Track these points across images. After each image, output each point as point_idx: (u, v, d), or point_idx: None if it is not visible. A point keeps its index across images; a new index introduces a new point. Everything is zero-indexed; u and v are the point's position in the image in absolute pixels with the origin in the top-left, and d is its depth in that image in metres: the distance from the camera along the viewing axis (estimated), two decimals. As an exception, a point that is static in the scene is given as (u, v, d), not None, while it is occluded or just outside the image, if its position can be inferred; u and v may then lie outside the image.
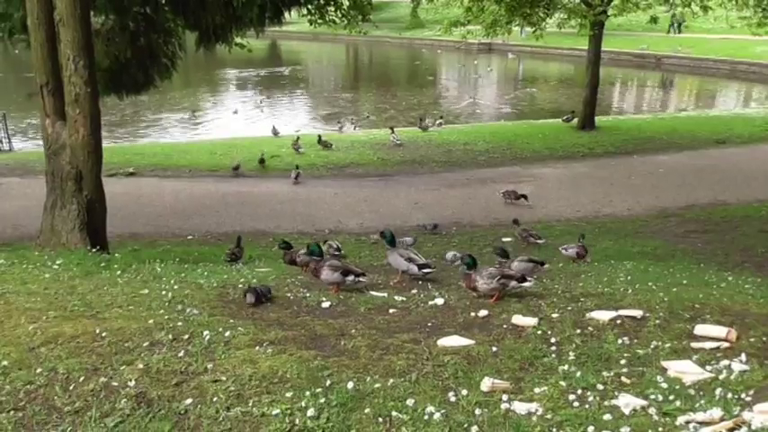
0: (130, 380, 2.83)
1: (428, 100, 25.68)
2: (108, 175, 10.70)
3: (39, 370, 2.92)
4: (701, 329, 3.56)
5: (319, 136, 15.29)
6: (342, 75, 37.30)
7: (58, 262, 5.47)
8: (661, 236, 9.32)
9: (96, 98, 6.72)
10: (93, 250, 6.44)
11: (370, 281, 4.97)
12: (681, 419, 2.46)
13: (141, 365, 2.98)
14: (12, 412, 2.61)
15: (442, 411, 2.55)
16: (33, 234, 7.44)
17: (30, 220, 8.57)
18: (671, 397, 2.66)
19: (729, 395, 2.65)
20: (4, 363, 2.99)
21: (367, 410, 2.58)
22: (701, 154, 14.83)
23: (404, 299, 4.51)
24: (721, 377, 2.86)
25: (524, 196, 10.92)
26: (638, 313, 3.87)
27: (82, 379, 2.85)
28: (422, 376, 2.93)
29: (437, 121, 18.00)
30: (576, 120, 17.06)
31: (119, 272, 5.26)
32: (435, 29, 38.44)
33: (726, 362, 3.05)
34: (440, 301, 4.42)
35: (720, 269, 6.80)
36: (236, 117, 21.82)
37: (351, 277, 4.75)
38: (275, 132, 16.74)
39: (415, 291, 4.87)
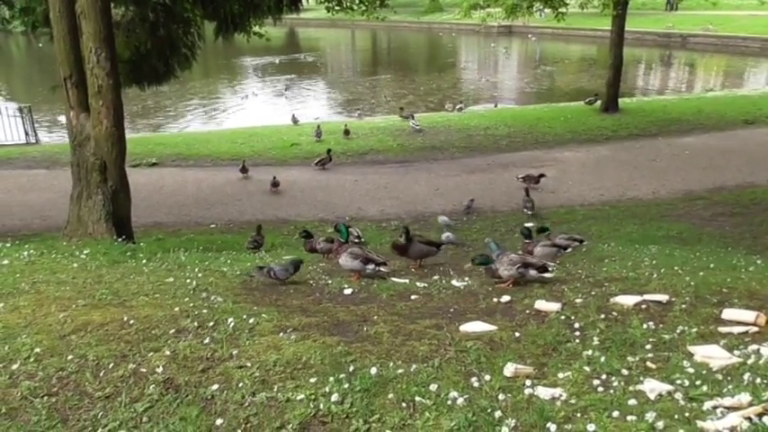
0: (158, 366, 2.89)
1: (447, 84, 25.44)
2: (131, 165, 10.88)
3: (70, 357, 3.00)
4: (728, 314, 3.49)
5: (345, 125, 15.27)
6: (360, 61, 37.13)
7: (85, 252, 5.59)
8: (687, 219, 9.15)
9: (119, 89, 6.81)
10: (119, 240, 6.57)
11: (390, 269, 4.97)
12: (708, 404, 2.42)
13: (168, 352, 3.04)
14: (45, 398, 2.69)
15: (465, 396, 2.55)
16: (61, 224, 7.60)
17: (57, 211, 8.76)
18: (697, 382, 2.62)
19: (758, 380, 2.59)
20: (37, 350, 3.08)
21: (390, 396, 2.60)
22: (729, 135, 14.44)
23: (425, 285, 4.51)
24: (750, 362, 2.80)
25: (537, 179, 10.78)
26: (663, 298, 3.81)
27: (111, 365, 2.92)
28: (445, 362, 2.93)
29: (457, 106, 17.87)
30: (599, 102, 16.75)
31: (144, 261, 5.36)
32: (454, 12, 38.05)
33: (754, 346, 2.99)
34: (462, 286, 4.41)
35: (749, 252, 6.65)
36: (255, 102, 22.05)
37: (371, 266, 4.76)
38: (295, 120, 16.79)
39: (436, 277, 4.87)
